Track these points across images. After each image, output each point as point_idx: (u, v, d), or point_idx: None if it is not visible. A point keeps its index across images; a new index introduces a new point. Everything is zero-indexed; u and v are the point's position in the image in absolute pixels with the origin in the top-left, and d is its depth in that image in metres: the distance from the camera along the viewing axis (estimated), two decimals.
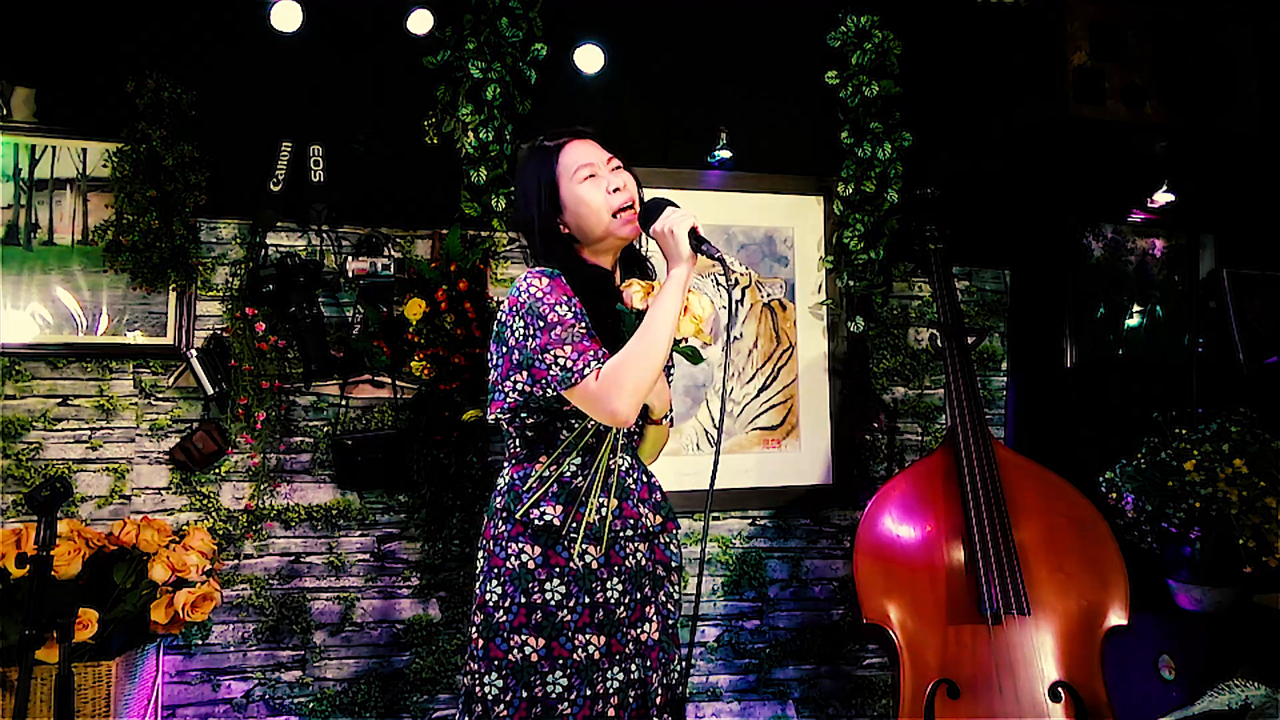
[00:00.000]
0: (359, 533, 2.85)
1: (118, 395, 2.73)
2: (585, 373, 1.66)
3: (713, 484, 1.71)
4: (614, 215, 1.80)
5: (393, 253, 2.86)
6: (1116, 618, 2.47)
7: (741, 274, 3.13)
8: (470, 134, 2.80)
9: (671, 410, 1.98)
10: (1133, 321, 3.39)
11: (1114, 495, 2.69)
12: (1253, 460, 2.52)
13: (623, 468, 1.85)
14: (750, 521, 3.12)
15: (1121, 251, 3.39)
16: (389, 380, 2.85)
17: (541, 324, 1.71)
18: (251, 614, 2.77)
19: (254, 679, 2.77)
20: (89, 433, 2.71)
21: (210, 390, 2.68)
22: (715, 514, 3.08)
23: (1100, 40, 2.96)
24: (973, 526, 2.51)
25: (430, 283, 2.81)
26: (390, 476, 2.81)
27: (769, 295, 3.16)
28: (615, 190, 1.81)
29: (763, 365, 3.14)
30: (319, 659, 2.81)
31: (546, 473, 1.80)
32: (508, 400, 1.80)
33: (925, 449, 3.24)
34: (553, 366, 1.69)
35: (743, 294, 3.14)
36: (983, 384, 3.31)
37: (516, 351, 1.76)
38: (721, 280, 3.11)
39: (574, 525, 1.77)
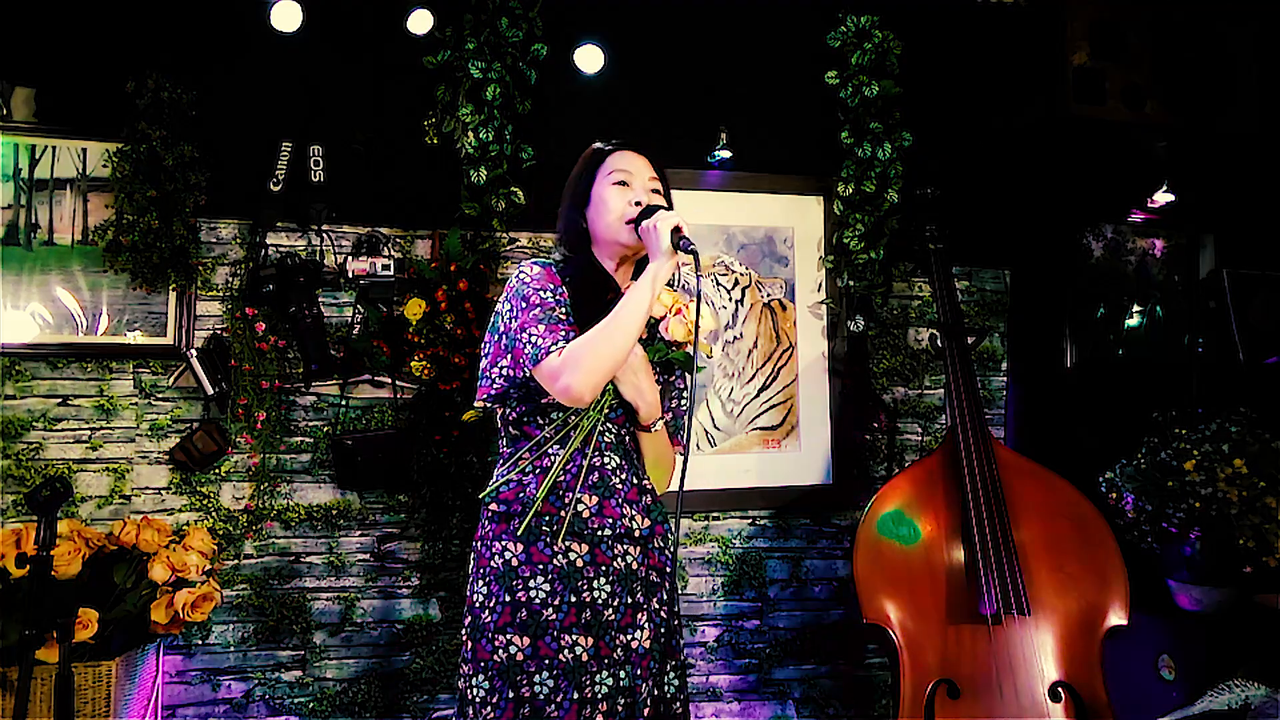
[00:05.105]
0: (359, 533, 2.85)
1: (118, 395, 2.73)
2: (550, 349, 1.71)
3: (682, 485, 1.76)
4: (626, 223, 1.84)
5: (393, 253, 2.86)
6: (1116, 618, 2.46)
7: (730, 273, 3.13)
8: (470, 134, 2.80)
9: (665, 420, 1.94)
10: (1133, 321, 3.38)
11: (1114, 495, 2.69)
12: (1253, 460, 2.52)
13: (609, 466, 1.84)
14: (750, 521, 3.12)
15: (1121, 251, 3.39)
16: (389, 380, 2.85)
17: (524, 305, 1.78)
18: (251, 614, 2.77)
19: (254, 679, 2.77)
20: (89, 433, 2.71)
21: (210, 390, 2.68)
22: (715, 514, 3.09)
23: (1100, 40, 2.95)
24: (973, 526, 2.51)
25: (430, 283, 2.81)
26: (390, 476, 2.81)
27: (769, 295, 3.16)
28: (637, 204, 1.85)
29: (763, 365, 3.14)
30: (319, 659, 2.81)
31: (526, 464, 1.82)
32: (494, 386, 1.83)
33: (925, 449, 3.24)
34: (526, 345, 1.74)
35: (743, 294, 3.14)
36: (983, 384, 3.31)
37: (504, 336, 1.82)
38: (722, 281, 3.11)
39: (547, 518, 1.78)
